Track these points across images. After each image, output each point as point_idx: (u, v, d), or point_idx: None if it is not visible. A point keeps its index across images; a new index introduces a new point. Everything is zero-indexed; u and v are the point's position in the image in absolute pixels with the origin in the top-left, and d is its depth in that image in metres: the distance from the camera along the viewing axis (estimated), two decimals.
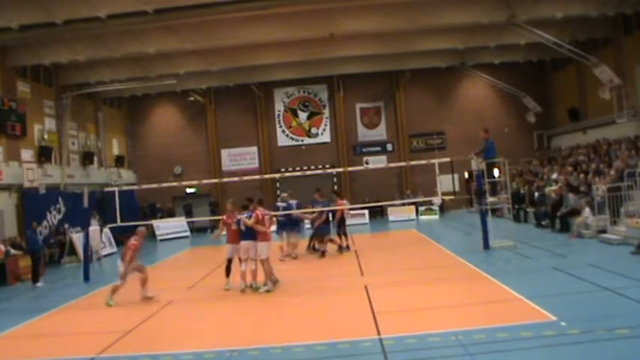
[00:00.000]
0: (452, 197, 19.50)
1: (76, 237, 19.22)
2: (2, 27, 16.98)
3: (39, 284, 14.81)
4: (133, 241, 11.20)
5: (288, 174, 23.22)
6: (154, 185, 18.01)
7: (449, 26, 21.29)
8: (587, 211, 14.93)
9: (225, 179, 25.28)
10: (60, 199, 21.48)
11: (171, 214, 27.97)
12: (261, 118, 30.08)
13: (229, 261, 11.66)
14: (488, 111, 29.48)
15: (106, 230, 20.50)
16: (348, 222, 17.38)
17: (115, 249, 21.45)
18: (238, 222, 11.25)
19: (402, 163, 25.66)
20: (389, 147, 29.99)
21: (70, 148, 24.08)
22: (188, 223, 27.36)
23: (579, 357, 6.19)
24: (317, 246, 16.04)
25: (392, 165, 26.35)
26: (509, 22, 19.54)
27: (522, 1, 18.95)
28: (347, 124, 29.91)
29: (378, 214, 27.75)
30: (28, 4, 16.18)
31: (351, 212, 25.92)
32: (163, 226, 25.99)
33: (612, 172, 15.81)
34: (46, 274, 16.62)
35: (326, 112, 30.25)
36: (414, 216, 26.39)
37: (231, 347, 7.42)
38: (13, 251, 16.27)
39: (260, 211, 11.16)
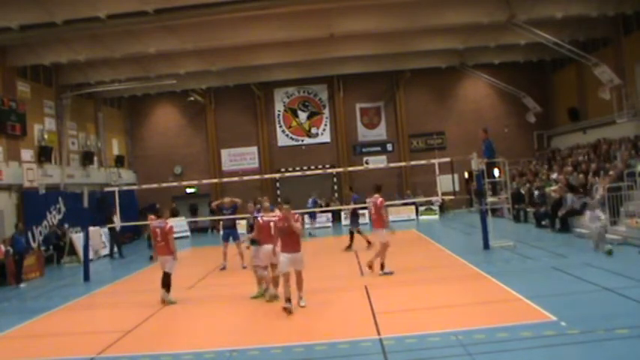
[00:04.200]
0: (452, 197, 19.51)
1: (76, 237, 19.23)
2: (2, 27, 16.98)
3: (22, 285, 14.84)
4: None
5: (288, 174, 23.21)
6: (154, 185, 18.02)
7: (449, 26, 21.28)
8: (588, 214, 14.58)
9: (225, 179, 25.29)
10: (60, 199, 21.49)
11: (174, 214, 27.91)
12: (261, 118, 30.07)
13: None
14: (489, 111, 29.50)
15: (106, 230, 20.46)
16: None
17: (115, 249, 21.43)
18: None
19: (402, 163, 25.65)
20: (389, 147, 29.99)
21: (70, 148, 24.08)
22: (190, 223, 27.38)
23: (579, 357, 6.19)
24: None
25: (392, 165, 26.34)
26: (509, 22, 19.54)
27: (522, 1, 18.94)
28: (347, 124, 29.90)
29: None
30: (28, 4, 16.15)
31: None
32: None
33: (611, 173, 15.82)
34: (45, 273, 16.68)
35: (326, 112, 30.25)
36: (414, 216, 26.39)
37: (231, 347, 7.42)
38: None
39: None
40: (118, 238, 20.03)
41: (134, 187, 24.71)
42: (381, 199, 12.07)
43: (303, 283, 9.52)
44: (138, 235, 26.82)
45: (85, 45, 19.72)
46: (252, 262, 10.81)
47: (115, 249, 19.92)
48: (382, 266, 11.95)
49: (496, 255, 13.42)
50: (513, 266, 11.86)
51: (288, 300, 9.07)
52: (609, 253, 11.91)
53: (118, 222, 18.55)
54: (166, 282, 10.74)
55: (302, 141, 30.23)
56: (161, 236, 10.91)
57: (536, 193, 20.08)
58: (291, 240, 9.33)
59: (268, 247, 10.02)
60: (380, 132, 30.18)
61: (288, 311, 8.97)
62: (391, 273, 11.80)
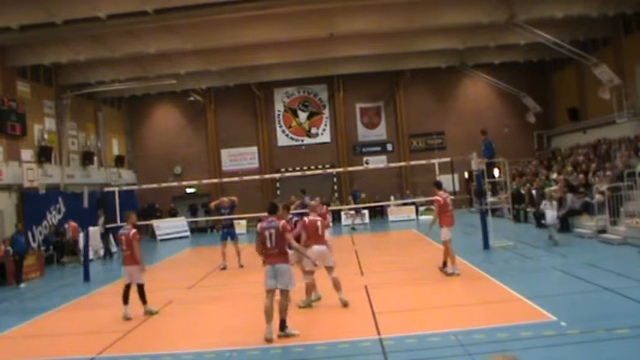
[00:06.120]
0: (452, 197, 19.47)
1: None
2: (2, 27, 16.99)
3: (22, 285, 14.83)
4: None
5: (288, 174, 23.22)
6: (154, 185, 18.03)
7: (449, 26, 21.29)
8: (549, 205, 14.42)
9: (225, 179, 25.29)
10: (60, 199, 21.47)
11: (173, 215, 27.93)
12: (261, 118, 30.08)
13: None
14: (488, 111, 29.49)
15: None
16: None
17: (115, 248, 21.43)
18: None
19: (402, 163, 25.65)
20: (389, 147, 29.99)
21: (70, 148, 24.07)
22: (190, 223, 27.39)
23: (579, 357, 6.19)
24: None
25: (392, 165, 26.35)
26: (509, 22, 19.55)
27: (522, 1, 18.94)
28: (347, 124, 29.90)
29: (378, 214, 27.74)
30: (28, 4, 16.17)
31: (350, 212, 26.12)
32: (163, 226, 25.97)
33: (609, 173, 15.81)
34: (45, 273, 16.68)
35: (326, 112, 30.25)
36: (413, 216, 26.37)
37: (231, 347, 7.42)
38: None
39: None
40: (108, 238, 19.88)
41: (134, 187, 24.72)
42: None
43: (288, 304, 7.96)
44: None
45: (85, 45, 19.73)
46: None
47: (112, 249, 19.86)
48: (444, 264, 11.48)
49: (496, 255, 13.42)
50: (513, 266, 11.86)
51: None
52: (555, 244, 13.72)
53: (100, 223, 18.60)
54: (142, 294, 9.77)
55: (302, 141, 30.22)
56: (126, 244, 9.75)
57: (533, 191, 20.02)
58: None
59: (319, 247, 9.23)
60: (380, 132, 30.18)
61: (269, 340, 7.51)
62: (452, 274, 11.11)
